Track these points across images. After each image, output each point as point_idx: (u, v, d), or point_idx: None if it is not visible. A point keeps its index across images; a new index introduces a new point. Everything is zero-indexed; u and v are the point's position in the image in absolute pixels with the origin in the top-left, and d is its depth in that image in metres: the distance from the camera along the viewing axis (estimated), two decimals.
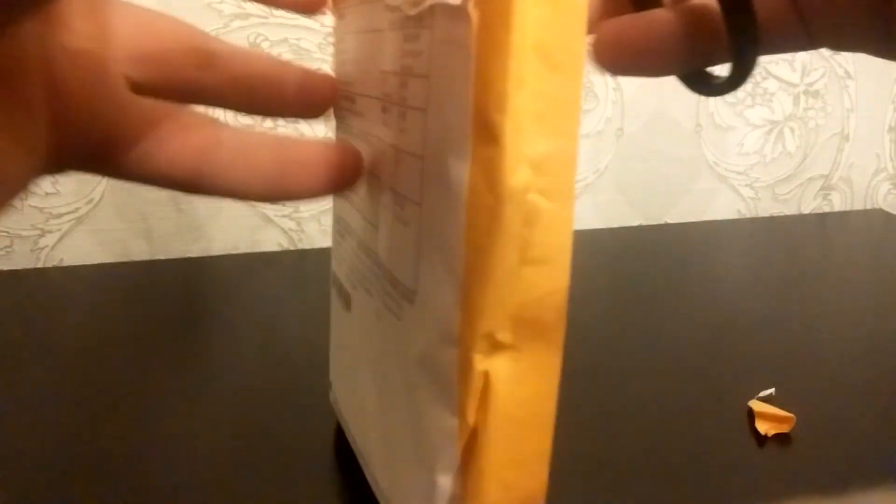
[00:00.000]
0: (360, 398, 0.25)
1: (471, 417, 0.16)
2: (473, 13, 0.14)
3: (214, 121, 0.20)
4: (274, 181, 0.19)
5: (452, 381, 0.16)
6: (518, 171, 0.14)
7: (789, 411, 0.31)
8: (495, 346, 0.15)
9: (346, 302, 0.26)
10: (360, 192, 0.23)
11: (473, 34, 0.14)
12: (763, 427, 0.31)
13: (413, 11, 0.17)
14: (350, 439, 0.28)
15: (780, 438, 0.31)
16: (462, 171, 0.15)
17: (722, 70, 0.21)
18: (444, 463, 0.17)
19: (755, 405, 0.33)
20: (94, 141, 0.18)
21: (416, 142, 0.17)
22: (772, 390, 0.34)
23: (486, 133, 0.14)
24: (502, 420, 0.16)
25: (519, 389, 0.16)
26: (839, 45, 0.19)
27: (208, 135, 0.19)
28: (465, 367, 0.15)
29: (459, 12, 0.14)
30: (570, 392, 0.35)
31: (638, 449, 0.30)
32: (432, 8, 0.16)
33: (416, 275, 0.18)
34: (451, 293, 0.16)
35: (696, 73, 0.22)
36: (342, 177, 0.20)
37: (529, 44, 0.14)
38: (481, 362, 0.15)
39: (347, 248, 0.25)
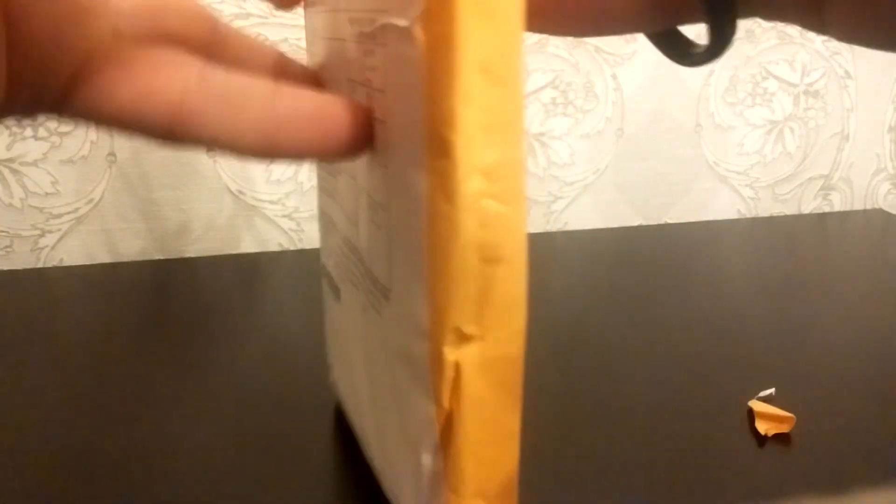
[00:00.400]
0: (355, 383, 0.26)
1: (445, 403, 0.17)
2: (420, 35, 0.15)
3: (201, 61, 0.17)
4: (265, 134, 0.17)
5: (427, 371, 0.17)
6: (470, 180, 0.15)
7: (789, 411, 0.32)
8: (463, 338, 0.17)
9: (336, 293, 0.27)
10: (342, 191, 0.24)
11: (421, 54, 0.15)
12: (763, 427, 0.31)
13: (368, 29, 0.18)
14: (348, 419, 0.29)
15: (780, 438, 0.31)
16: (419, 181, 0.16)
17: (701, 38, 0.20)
18: (426, 444, 0.18)
19: (755, 405, 0.33)
20: (61, 78, 0.16)
21: (381, 151, 0.18)
22: (772, 390, 0.34)
23: (439, 147, 0.15)
24: (474, 404, 0.17)
25: (487, 376, 0.17)
26: (769, 13, 0.19)
27: (193, 76, 0.17)
28: (437, 358, 0.17)
29: (407, 33, 0.15)
30: (570, 392, 0.35)
31: (638, 449, 0.30)
32: (384, 27, 0.17)
33: (389, 274, 0.19)
34: (419, 292, 0.17)
35: (672, 42, 0.21)
36: (346, 139, 0.18)
37: (474, 62, 0.15)
38: (451, 353, 0.17)
39: (333, 242, 0.26)
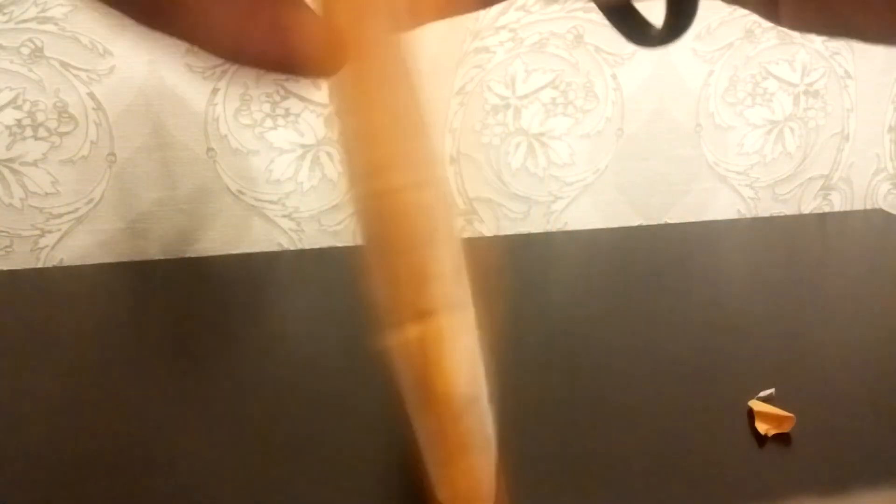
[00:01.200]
0: None
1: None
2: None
3: None
4: (230, 36, 0.16)
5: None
6: (382, 179, 0.17)
7: (789, 411, 0.32)
8: (420, 315, 0.19)
9: None
10: None
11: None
12: (763, 427, 0.31)
13: None
14: None
15: (780, 438, 0.31)
16: (352, 190, 0.18)
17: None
18: None
19: (755, 405, 0.33)
20: None
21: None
22: (772, 390, 0.34)
23: (352, 155, 0.18)
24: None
25: (456, 338, 0.19)
26: None
27: None
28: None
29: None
30: (570, 392, 0.35)
31: (638, 449, 0.30)
32: None
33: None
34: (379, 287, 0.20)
35: (629, 20, 0.20)
36: (317, 58, 0.17)
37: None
38: (412, 331, 0.19)
39: None
